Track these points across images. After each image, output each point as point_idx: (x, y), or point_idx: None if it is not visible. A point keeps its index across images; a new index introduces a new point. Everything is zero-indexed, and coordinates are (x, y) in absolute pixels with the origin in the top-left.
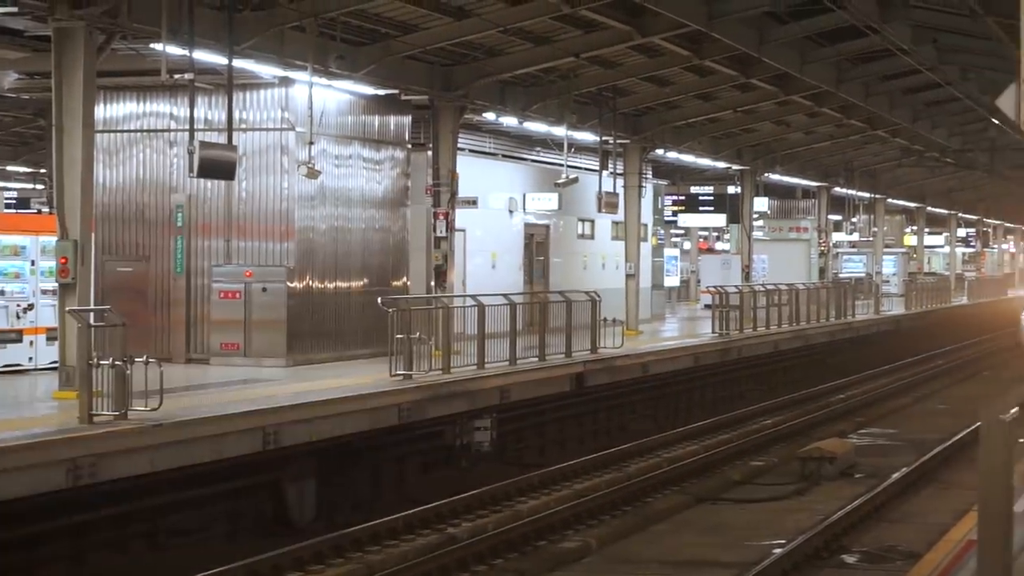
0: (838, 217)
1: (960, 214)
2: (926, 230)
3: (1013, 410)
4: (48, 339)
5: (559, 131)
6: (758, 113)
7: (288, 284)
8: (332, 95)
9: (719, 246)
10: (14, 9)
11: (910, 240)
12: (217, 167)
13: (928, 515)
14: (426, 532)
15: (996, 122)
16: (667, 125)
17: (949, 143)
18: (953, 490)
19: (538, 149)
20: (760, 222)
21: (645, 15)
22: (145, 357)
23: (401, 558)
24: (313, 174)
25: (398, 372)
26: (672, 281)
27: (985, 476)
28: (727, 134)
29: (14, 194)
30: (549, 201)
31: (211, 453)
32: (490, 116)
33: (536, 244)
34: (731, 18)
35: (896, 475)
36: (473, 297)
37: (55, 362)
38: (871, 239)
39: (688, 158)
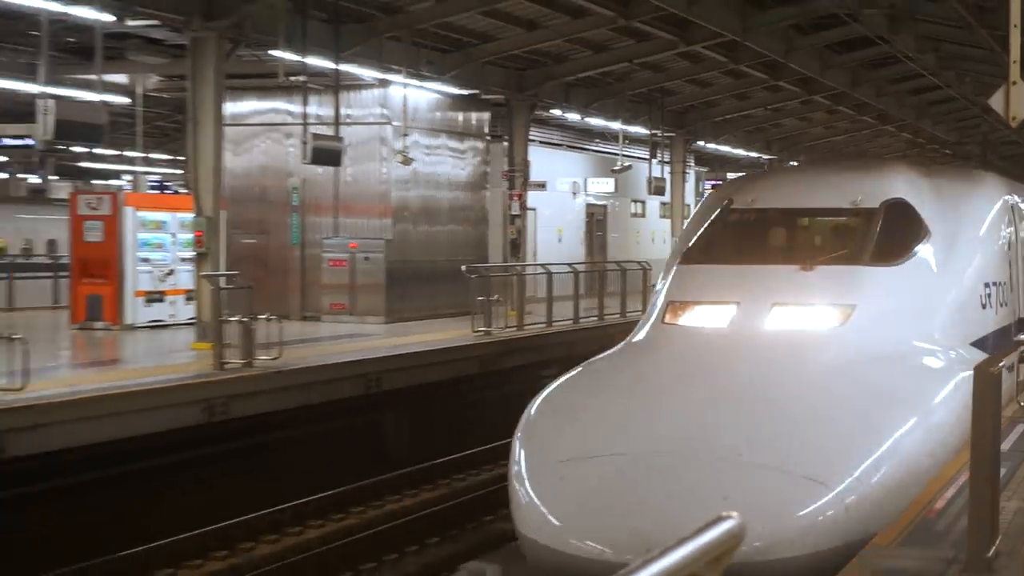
0: None
1: None
2: None
3: (1001, 363)
4: (186, 299)
5: (615, 125)
6: (784, 111)
7: (386, 254)
8: (423, 94)
9: None
10: (157, 22)
11: None
12: (326, 155)
13: None
14: (503, 463)
15: (988, 119)
16: (707, 120)
17: (948, 137)
18: None
19: (597, 141)
20: None
21: (689, 27)
22: (267, 315)
23: (483, 485)
24: (407, 161)
25: (479, 329)
26: None
27: (977, 420)
28: (758, 128)
29: (157, 178)
30: (607, 185)
31: (322, 396)
32: (556, 112)
33: (596, 221)
34: (762, 29)
35: None
36: (542, 266)
37: (192, 318)
38: None
39: (725, 149)
